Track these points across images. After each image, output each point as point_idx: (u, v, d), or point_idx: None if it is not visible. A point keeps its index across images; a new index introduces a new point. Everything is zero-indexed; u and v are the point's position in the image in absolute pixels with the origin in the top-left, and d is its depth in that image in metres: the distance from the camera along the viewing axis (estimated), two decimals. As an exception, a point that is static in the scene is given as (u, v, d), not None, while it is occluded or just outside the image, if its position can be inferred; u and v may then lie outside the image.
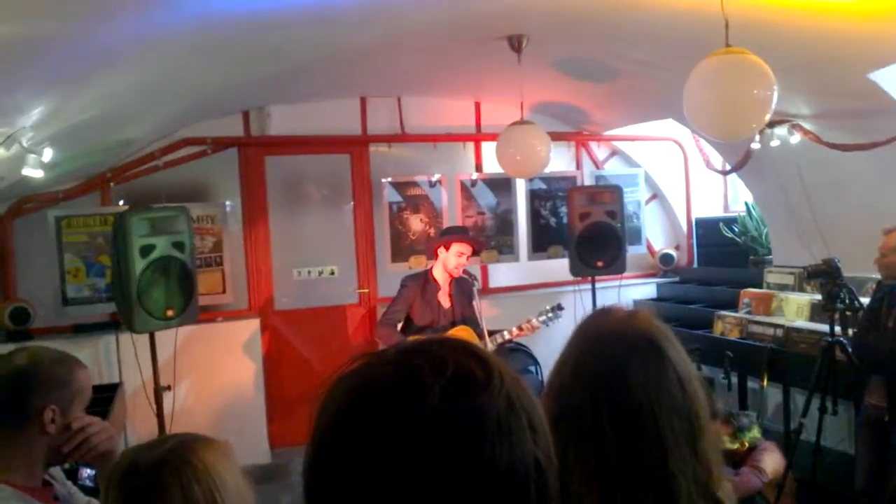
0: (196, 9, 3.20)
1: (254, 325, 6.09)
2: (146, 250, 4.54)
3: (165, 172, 5.88)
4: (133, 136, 5.24)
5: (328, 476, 0.73)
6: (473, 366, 0.75)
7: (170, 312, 4.64)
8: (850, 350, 4.07)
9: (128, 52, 3.44)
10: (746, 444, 4.31)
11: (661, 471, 1.17)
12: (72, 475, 2.11)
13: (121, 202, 5.79)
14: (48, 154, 3.83)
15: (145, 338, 4.81)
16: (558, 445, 0.81)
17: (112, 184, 5.78)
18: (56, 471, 1.95)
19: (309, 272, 6.48)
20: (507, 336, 4.93)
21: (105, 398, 4.49)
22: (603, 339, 1.29)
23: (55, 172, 4.72)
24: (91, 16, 2.81)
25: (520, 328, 4.95)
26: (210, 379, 5.83)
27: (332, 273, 6.56)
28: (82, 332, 5.54)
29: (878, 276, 4.36)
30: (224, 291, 5.96)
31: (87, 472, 2.01)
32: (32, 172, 3.83)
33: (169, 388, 5.04)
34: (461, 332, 4.88)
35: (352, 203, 6.65)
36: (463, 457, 0.70)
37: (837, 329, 4.16)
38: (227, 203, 6.15)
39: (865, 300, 4.29)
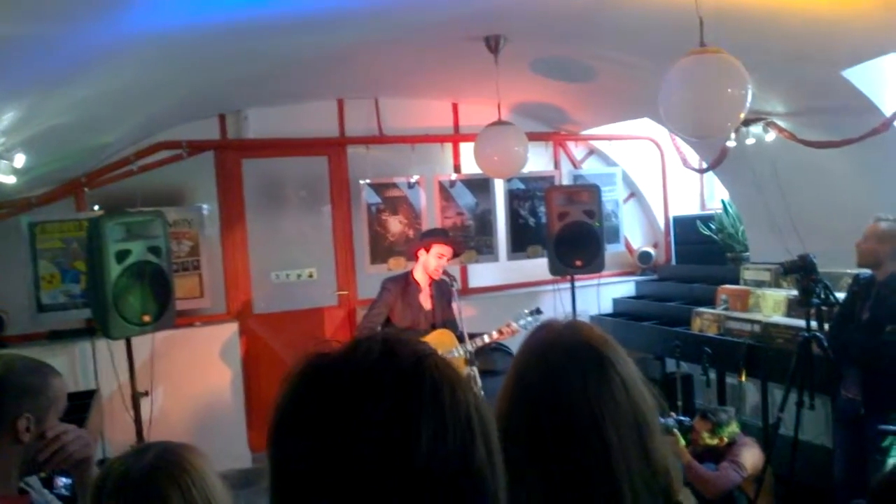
0: (171, 14, 3.17)
1: (232, 329, 6.05)
2: (121, 255, 4.49)
3: (141, 177, 5.82)
4: (107, 141, 5.19)
5: (289, 432, 0.80)
6: (408, 342, 0.86)
7: (146, 318, 4.59)
8: (826, 345, 4.11)
9: (101, 56, 3.40)
10: (725, 440, 4.35)
11: (607, 476, 1.17)
12: (47, 484, 2.08)
13: (95, 207, 5.72)
14: (20, 159, 3.78)
15: (121, 344, 4.77)
16: (505, 463, 0.87)
17: (86, 189, 5.70)
18: (33, 480, 1.92)
19: (287, 275, 6.44)
20: (486, 339, 4.94)
21: (82, 405, 4.44)
22: (542, 351, 1.29)
23: (28, 178, 4.66)
24: (64, 19, 2.77)
25: (500, 332, 4.96)
26: (188, 384, 5.78)
27: (311, 276, 6.53)
28: (58, 339, 5.47)
29: (853, 270, 4.42)
30: (201, 296, 5.91)
31: (62, 481, 1.99)
32: (4, 178, 3.77)
33: (146, 393, 4.99)
34: (441, 336, 4.88)
35: (330, 205, 6.62)
36: (403, 409, 0.77)
37: (814, 324, 4.19)
38: (204, 207, 6.09)
39: (841, 295, 4.34)
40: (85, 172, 5.65)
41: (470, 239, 6.77)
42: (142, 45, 3.45)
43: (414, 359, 0.82)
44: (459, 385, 0.83)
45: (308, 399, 0.80)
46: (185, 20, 3.30)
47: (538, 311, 5.11)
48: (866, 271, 4.19)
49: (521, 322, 5.02)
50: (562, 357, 1.25)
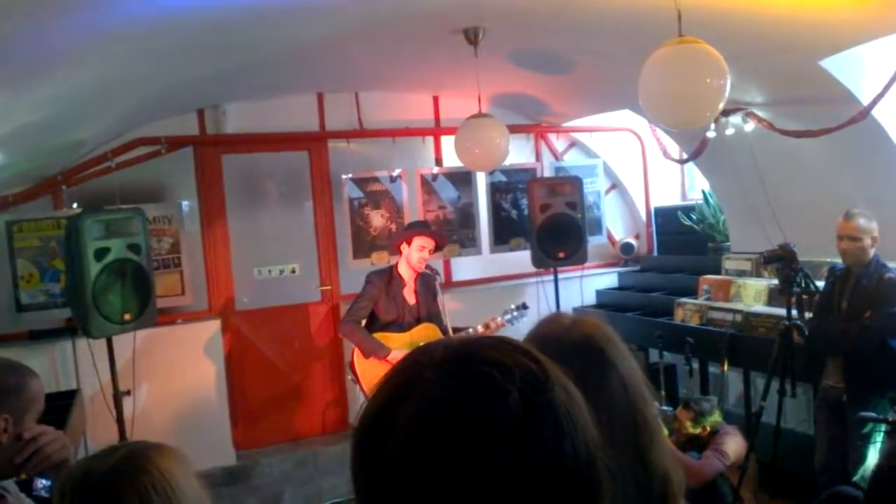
0: (146, 6, 3.13)
1: (214, 326, 6.00)
2: (101, 253, 4.45)
3: (119, 173, 5.75)
4: (84, 137, 5.12)
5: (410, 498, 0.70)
6: (529, 363, 0.76)
7: (127, 316, 4.56)
8: (806, 333, 4.15)
9: (76, 51, 3.36)
10: (708, 429, 4.37)
11: None
12: (27, 486, 2.06)
13: (74, 205, 5.65)
14: (-6, 157, 3.73)
15: (103, 343, 4.72)
16: None
17: (64, 186, 5.63)
18: (9, 483, 1.90)
19: (270, 271, 6.40)
20: (471, 333, 4.93)
21: (63, 405, 4.41)
22: (542, 345, 1.28)
23: (4, 175, 4.61)
24: (36, 14, 2.73)
25: (485, 326, 4.97)
26: (171, 382, 5.74)
27: (294, 271, 6.50)
28: (38, 339, 5.41)
29: (832, 259, 4.47)
30: (183, 293, 5.86)
31: (42, 483, 1.96)
32: (-21, 176, 3.72)
33: (128, 392, 4.96)
34: (427, 331, 4.88)
35: (311, 200, 6.58)
36: (549, 454, 0.71)
37: (794, 312, 4.23)
38: (184, 203, 6.04)
39: (821, 283, 4.38)
40: (62, 170, 5.58)
41: (452, 232, 6.76)
42: (114, 40, 3.41)
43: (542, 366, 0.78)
44: (580, 396, 0.81)
45: (445, 461, 0.69)
46: (158, 13, 3.26)
47: (524, 307, 5.11)
48: (840, 261, 4.24)
49: (507, 317, 5.03)
50: (559, 351, 1.23)
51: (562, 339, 1.27)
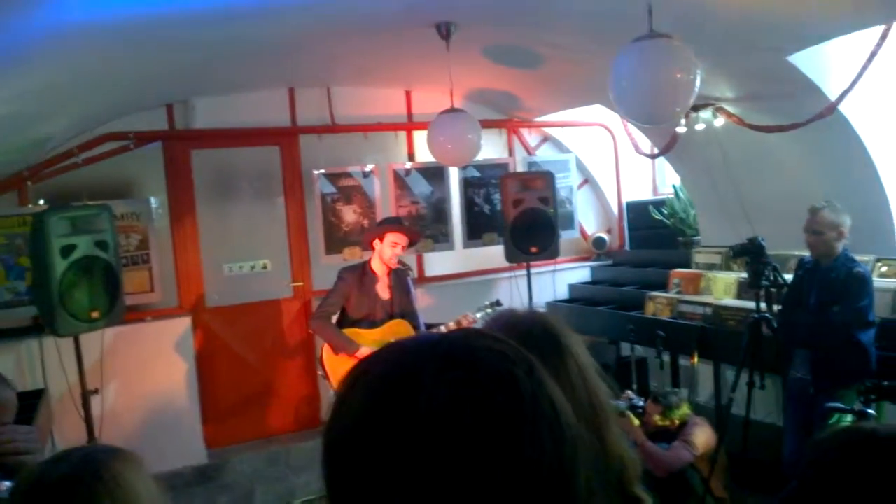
0: (113, 1, 3.08)
1: (184, 323, 5.94)
2: (67, 250, 4.38)
3: (87, 169, 5.66)
4: (50, 133, 5.04)
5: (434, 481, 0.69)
6: (516, 349, 0.81)
7: (94, 314, 4.50)
8: (775, 325, 4.19)
9: (39, 46, 3.30)
10: (677, 422, 4.42)
11: None
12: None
13: (40, 201, 5.56)
14: (-44, 153, 3.65)
15: (70, 341, 4.65)
16: None
17: (30, 182, 5.53)
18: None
19: (241, 267, 6.34)
20: (443, 330, 4.92)
21: (30, 405, 4.33)
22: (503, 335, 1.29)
23: (-34, 172, 4.51)
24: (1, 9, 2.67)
25: (457, 323, 4.97)
26: (140, 381, 5.66)
27: (265, 267, 6.44)
28: (3, 338, 5.30)
29: (800, 252, 4.52)
30: (152, 290, 5.78)
31: (5, 485, 1.93)
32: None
33: (96, 391, 4.89)
34: (398, 327, 4.87)
35: (283, 195, 6.53)
36: (554, 430, 0.75)
37: (763, 305, 4.28)
38: (153, 199, 5.96)
39: (790, 277, 4.43)
40: (28, 166, 5.48)
41: (426, 227, 6.74)
42: (80, 35, 3.35)
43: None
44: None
45: (469, 429, 0.70)
46: (127, 7, 3.21)
47: (497, 304, 5.14)
48: (810, 255, 4.29)
49: (480, 314, 5.04)
50: (520, 341, 1.24)
51: (519, 327, 1.30)
